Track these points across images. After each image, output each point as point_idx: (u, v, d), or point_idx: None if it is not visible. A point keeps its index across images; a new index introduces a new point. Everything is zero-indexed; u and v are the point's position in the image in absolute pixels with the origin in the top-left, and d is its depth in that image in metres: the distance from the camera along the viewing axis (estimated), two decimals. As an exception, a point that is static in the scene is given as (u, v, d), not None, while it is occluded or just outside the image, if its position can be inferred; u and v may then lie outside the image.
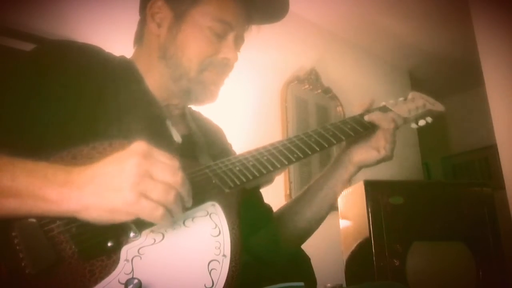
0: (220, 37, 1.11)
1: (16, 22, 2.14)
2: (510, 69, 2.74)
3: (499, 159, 2.76)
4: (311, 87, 3.50)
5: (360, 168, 1.26)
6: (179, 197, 0.76)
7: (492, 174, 4.42)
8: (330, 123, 1.18)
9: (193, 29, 1.09)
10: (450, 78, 4.58)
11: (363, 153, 1.24)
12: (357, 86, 3.87)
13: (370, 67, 4.16)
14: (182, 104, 1.18)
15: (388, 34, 3.95)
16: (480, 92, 3.06)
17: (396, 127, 1.23)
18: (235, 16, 1.12)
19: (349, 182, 1.31)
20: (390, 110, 1.28)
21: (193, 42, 1.09)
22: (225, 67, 1.14)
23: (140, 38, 1.17)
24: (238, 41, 1.16)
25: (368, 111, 1.24)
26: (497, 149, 2.79)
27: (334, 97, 3.64)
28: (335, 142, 1.12)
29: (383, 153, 1.22)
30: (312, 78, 3.50)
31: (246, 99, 3.01)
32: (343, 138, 1.15)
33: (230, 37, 1.12)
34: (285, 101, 3.31)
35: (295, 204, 1.30)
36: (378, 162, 1.24)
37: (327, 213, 1.28)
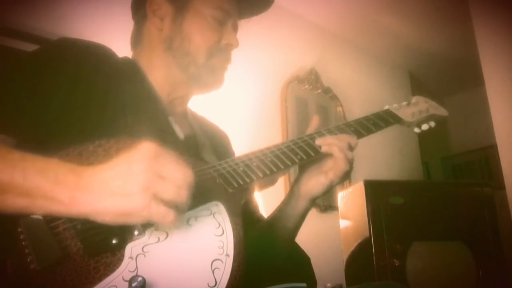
0: (221, 24, 1.15)
1: (16, 22, 2.14)
2: (510, 69, 2.74)
3: (499, 159, 2.76)
4: (311, 87, 3.50)
5: (310, 201, 1.16)
6: (190, 194, 0.77)
7: (492, 174, 4.42)
8: (341, 124, 1.19)
9: (196, 18, 1.13)
10: (450, 78, 4.58)
11: (311, 180, 1.14)
12: (357, 86, 3.87)
13: (370, 67, 4.16)
14: (186, 98, 1.21)
15: (388, 34, 3.96)
16: (480, 92, 3.07)
17: (351, 150, 1.12)
18: (231, 4, 1.17)
19: (304, 216, 1.19)
20: (348, 128, 1.17)
21: (199, 30, 1.13)
22: (229, 53, 1.18)
23: (138, 38, 1.20)
24: (235, 29, 1.21)
25: (319, 133, 1.14)
26: (497, 149, 2.80)
27: (334, 97, 3.64)
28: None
29: (330, 176, 1.11)
30: (312, 78, 3.51)
31: (246, 99, 3.01)
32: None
33: (229, 24, 1.17)
34: (285, 101, 3.31)
35: (265, 226, 1.24)
36: (326, 188, 1.13)
37: (293, 238, 1.22)
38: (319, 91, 3.55)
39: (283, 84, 3.35)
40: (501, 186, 2.73)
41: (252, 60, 3.06)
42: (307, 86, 3.48)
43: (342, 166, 1.10)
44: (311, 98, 3.51)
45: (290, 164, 1.03)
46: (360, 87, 3.88)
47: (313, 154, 1.07)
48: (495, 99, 2.82)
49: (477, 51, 2.91)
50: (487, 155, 4.54)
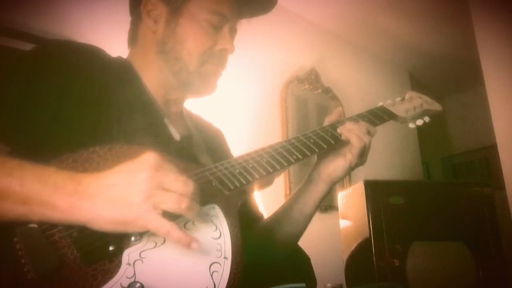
0: (217, 29, 1.13)
1: (16, 22, 2.14)
2: (510, 69, 2.74)
3: (499, 159, 2.76)
4: (311, 87, 3.50)
5: (330, 183, 1.19)
6: (192, 205, 0.77)
7: (492, 174, 4.42)
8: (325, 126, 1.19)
9: (191, 22, 1.11)
10: (450, 78, 4.58)
11: (330, 164, 1.17)
12: (357, 86, 3.87)
13: (370, 67, 4.16)
14: (181, 99, 1.19)
15: (388, 34, 3.95)
16: (480, 92, 3.07)
17: (370, 138, 1.17)
18: (229, 8, 1.14)
19: (321, 201, 1.21)
20: (366, 117, 1.22)
21: (192, 35, 1.10)
22: (223, 58, 1.15)
23: (134, 37, 1.18)
24: (233, 32, 1.18)
25: (339, 122, 1.18)
26: (497, 149, 2.80)
27: (334, 97, 3.64)
28: (333, 142, 1.13)
29: (349, 157, 1.14)
30: (312, 78, 3.51)
31: (246, 99, 3.01)
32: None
33: (226, 28, 1.14)
34: (285, 101, 3.31)
35: (273, 219, 1.25)
36: (346, 170, 1.17)
37: (304, 228, 1.23)
38: (319, 91, 3.55)
39: (283, 84, 3.35)
40: (501, 186, 2.72)
41: (252, 60, 3.06)
42: (307, 86, 3.48)
43: (359, 145, 1.13)
44: (311, 98, 3.51)
45: (286, 165, 1.02)
46: (360, 87, 3.88)
47: (309, 153, 1.08)
48: (495, 99, 2.81)
49: (477, 51, 2.91)
50: (487, 155, 4.54)
